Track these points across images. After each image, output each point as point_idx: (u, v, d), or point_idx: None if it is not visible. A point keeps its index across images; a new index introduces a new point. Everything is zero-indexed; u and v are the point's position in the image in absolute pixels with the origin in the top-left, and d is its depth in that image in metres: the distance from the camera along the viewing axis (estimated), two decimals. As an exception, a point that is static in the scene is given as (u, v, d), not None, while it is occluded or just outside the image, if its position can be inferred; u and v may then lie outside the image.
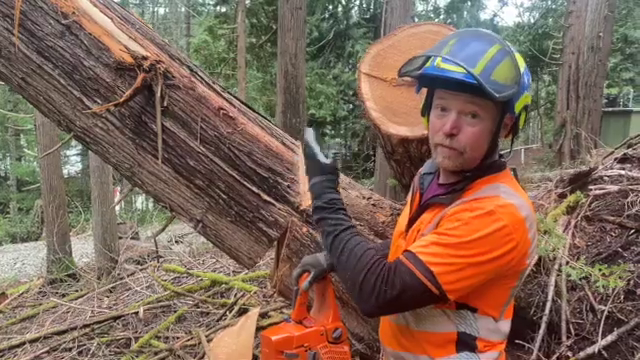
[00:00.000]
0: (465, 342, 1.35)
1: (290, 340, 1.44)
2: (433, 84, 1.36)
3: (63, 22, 2.29)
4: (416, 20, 17.91)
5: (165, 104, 2.36)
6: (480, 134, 1.30)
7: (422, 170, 1.58)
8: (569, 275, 2.69)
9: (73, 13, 2.28)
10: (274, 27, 13.53)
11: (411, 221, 1.47)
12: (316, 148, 1.46)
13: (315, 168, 1.44)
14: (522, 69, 1.30)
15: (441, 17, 22.30)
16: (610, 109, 18.25)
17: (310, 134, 1.49)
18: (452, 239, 1.24)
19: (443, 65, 1.26)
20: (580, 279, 2.70)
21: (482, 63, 1.22)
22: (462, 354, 1.36)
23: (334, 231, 1.36)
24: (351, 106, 17.98)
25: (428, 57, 1.33)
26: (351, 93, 17.22)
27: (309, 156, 1.47)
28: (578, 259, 3.00)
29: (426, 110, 1.42)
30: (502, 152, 1.48)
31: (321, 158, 1.44)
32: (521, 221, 1.26)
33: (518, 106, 1.31)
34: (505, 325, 1.41)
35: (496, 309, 1.36)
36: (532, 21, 20.91)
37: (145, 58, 2.30)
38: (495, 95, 1.20)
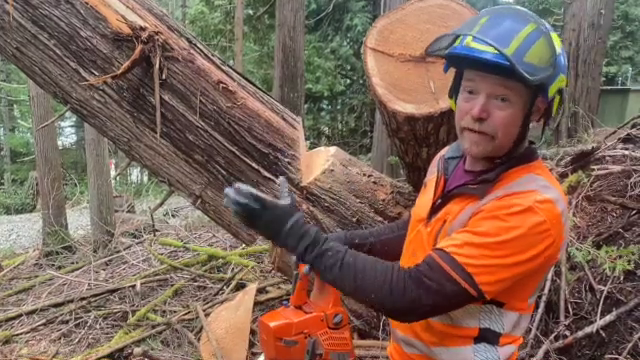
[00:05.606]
0: (485, 337, 1.32)
1: (289, 327, 1.39)
2: (461, 64, 1.30)
3: (58, -10, 2.22)
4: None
5: (164, 77, 2.31)
6: (511, 119, 1.24)
7: (445, 153, 1.50)
8: (574, 256, 2.67)
9: (68, -20, 2.21)
10: (272, -1, 13.30)
11: (435, 209, 1.40)
12: (270, 199, 1.32)
13: (282, 214, 1.32)
14: (558, 49, 1.23)
15: (441, -9, 21.91)
16: (608, 87, 18.13)
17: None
18: (489, 239, 1.19)
19: (473, 44, 1.19)
20: (584, 261, 2.69)
21: (515, 43, 1.15)
22: (480, 345, 1.32)
23: (336, 262, 1.27)
24: (348, 81, 17.76)
25: (457, 36, 1.25)
26: (349, 68, 16.98)
27: (269, 206, 1.31)
28: (579, 239, 2.98)
29: (453, 92, 1.36)
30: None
31: (282, 201, 1.34)
32: (558, 216, 1.21)
33: (552, 89, 1.24)
34: (526, 320, 1.37)
35: (523, 302, 1.32)
36: (533, -4, 20.63)
37: (143, 29, 2.24)
38: (529, 78, 1.14)
